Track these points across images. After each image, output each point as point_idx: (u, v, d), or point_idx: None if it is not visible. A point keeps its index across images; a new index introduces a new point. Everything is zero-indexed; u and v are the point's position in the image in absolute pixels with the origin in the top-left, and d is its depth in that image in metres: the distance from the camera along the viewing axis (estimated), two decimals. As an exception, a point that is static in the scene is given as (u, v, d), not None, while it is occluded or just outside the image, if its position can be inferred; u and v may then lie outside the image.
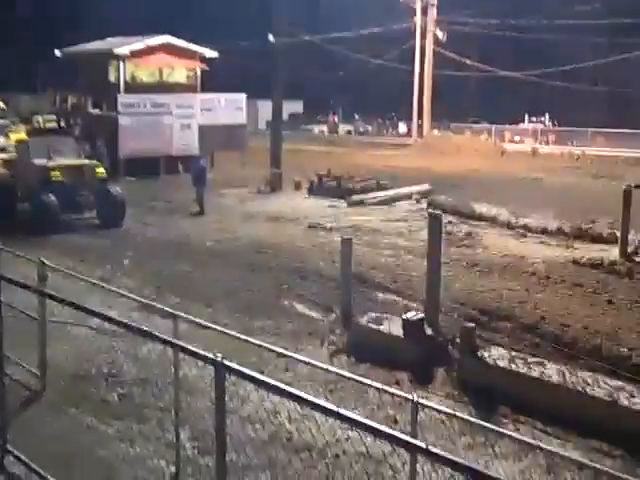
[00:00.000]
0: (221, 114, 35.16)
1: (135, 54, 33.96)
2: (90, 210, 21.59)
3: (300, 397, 4.28)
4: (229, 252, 18.10)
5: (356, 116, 70.17)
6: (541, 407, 9.28)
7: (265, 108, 43.12)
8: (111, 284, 13.81)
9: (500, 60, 53.81)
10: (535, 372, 9.81)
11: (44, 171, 20.94)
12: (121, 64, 33.74)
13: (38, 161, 21.24)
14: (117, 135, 31.35)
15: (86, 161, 22.26)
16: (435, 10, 49.47)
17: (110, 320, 6.60)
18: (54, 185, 20.58)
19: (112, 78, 34.58)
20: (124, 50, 33.63)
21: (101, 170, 21.91)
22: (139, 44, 34.28)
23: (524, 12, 47.50)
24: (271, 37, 31.43)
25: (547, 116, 57.15)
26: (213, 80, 37.95)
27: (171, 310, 8.10)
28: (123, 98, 32.63)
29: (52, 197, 20.20)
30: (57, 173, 20.89)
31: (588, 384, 9.40)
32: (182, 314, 8.04)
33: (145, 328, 5.96)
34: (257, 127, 60.00)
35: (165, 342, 5.35)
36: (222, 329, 8.84)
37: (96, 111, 34.33)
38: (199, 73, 36.84)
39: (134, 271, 16.14)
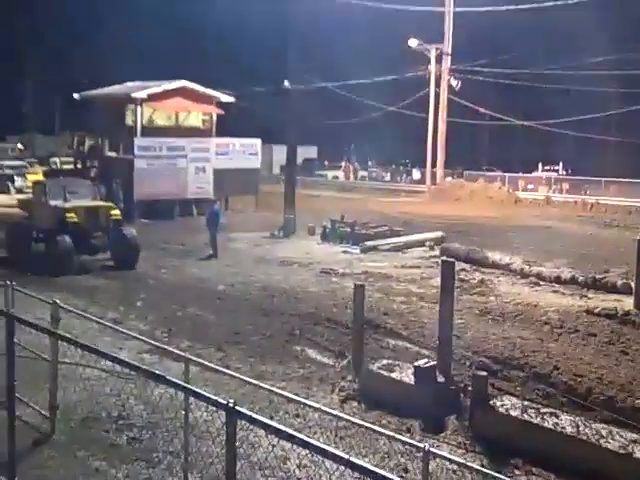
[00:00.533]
0: (236, 158, 35.54)
1: (152, 98, 34.42)
2: (104, 252, 21.64)
3: (309, 443, 4.26)
4: (241, 296, 18.10)
5: (370, 162, 70.57)
6: (554, 459, 9.17)
7: (280, 153, 43.48)
8: (123, 326, 13.87)
9: (514, 109, 54.21)
10: (548, 423, 9.71)
11: (60, 212, 21.08)
12: (138, 108, 34.19)
13: (54, 202, 21.42)
14: (133, 178, 31.64)
15: (101, 203, 22.42)
16: (449, 59, 49.96)
17: (121, 362, 6.59)
18: (69, 226, 20.72)
19: (129, 121, 35.06)
20: (142, 94, 34.09)
21: (116, 212, 22.06)
22: (156, 88, 34.75)
23: (538, 62, 47.90)
24: (287, 83, 31.79)
25: (561, 165, 57.31)
26: (228, 125, 38.38)
27: (182, 353, 8.10)
28: (139, 141, 33.01)
29: (67, 238, 20.29)
30: (73, 214, 21.01)
31: (602, 436, 9.28)
32: (193, 357, 8.04)
33: (156, 371, 5.95)
34: (271, 172, 60.44)
35: (177, 386, 5.34)
36: (233, 373, 8.84)
37: (113, 154, 34.71)
38: (215, 117, 37.26)
39: (146, 313, 16.16)
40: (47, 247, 21.19)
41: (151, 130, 34.49)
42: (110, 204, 22.77)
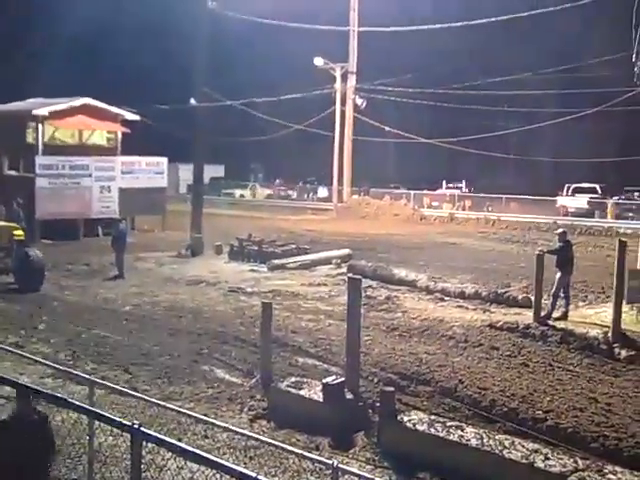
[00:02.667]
0: (142, 177, 35.07)
1: (54, 115, 33.63)
2: (7, 274, 21.01)
3: (217, 463, 4.23)
4: (148, 316, 17.84)
5: (277, 181, 70.71)
6: (460, 470, 9.34)
7: (186, 172, 43.14)
8: (25, 350, 13.47)
9: (418, 127, 55.19)
10: (454, 436, 9.89)
11: None
12: (39, 125, 33.36)
13: None
14: (34, 197, 30.82)
15: (2, 223, 21.84)
16: (354, 78, 50.60)
17: (21, 387, 6.40)
18: None
19: (30, 139, 34.10)
20: (43, 111, 33.26)
21: (19, 232, 21.44)
22: (58, 105, 33.97)
23: (441, 82, 48.95)
24: (193, 101, 31.61)
25: (464, 182, 58.65)
26: (134, 143, 37.85)
27: (86, 376, 7.92)
28: (41, 159, 32.21)
29: None
30: None
31: (505, 447, 9.51)
32: (98, 380, 7.87)
33: (57, 394, 5.80)
34: (178, 191, 59.88)
35: (79, 409, 5.22)
36: (140, 395, 8.69)
37: (12, 172, 33.73)
38: (120, 136, 36.71)
39: (49, 336, 15.73)
40: None
41: (53, 148, 33.67)
42: (12, 224, 22.14)
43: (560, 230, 18.62)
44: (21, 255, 20.84)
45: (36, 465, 6.31)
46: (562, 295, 17.07)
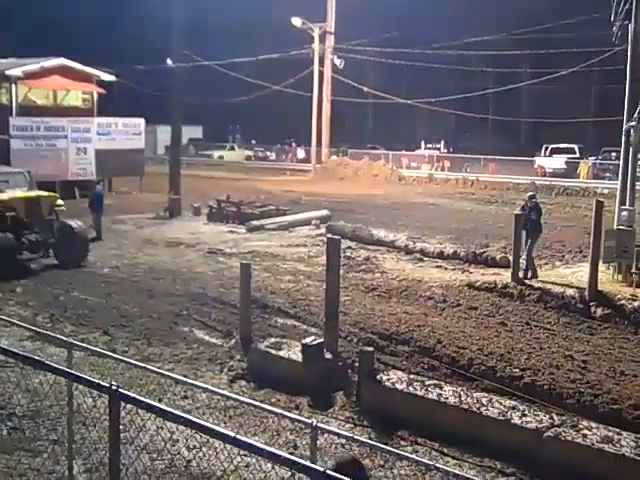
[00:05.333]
0: (119, 139, 34.69)
1: (28, 76, 33.15)
2: (47, 250, 19.12)
3: (195, 423, 4.22)
4: (127, 278, 17.77)
5: (253, 141, 70.29)
6: (439, 428, 9.45)
7: (164, 133, 42.73)
8: (2, 313, 13.39)
9: (397, 88, 55.00)
10: (432, 394, 9.99)
11: None
12: (13, 86, 32.86)
13: None
14: (9, 159, 30.42)
15: (43, 192, 19.78)
16: (332, 38, 50.16)
17: (-1, 350, 6.36)
18: (8, 221, 18.23)
19: (4, 100, 33.62)
20: (16, 72, 32.78)
21: (60, 202, 19.73)
22: (33, 66, 33.49)
23: (418, 42, 48.60)
24: (169, 61, 31.23)
25: (442, 143, 58.59)
26: (111, 104, 37.42)
27: (65, 338, 7.88)
28: (15, 121, 31.79)
29: (9, 235, 17.80)
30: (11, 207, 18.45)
31: (483, 404, 9.62)
32: (77, 342, 7.84)
33: (35, 357, 5.77)
34: (156, 152, 59.40)
35: (56, 371, 5.19)
36: (118, 356, 8.67)
37: (-14, 134, 33.29)
38: (96, 97, 36.26)
39: (27, 299, 15.64)
40: None
41: (28, 109, 33.20)
42: (53, 194, 20.40)
43: (529, 193, 18.69)
44: (63, 227, 19.10)
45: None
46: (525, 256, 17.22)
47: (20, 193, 19.07)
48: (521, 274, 16.83)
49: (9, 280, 16.74)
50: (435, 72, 51.19)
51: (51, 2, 61.85)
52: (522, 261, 17.12)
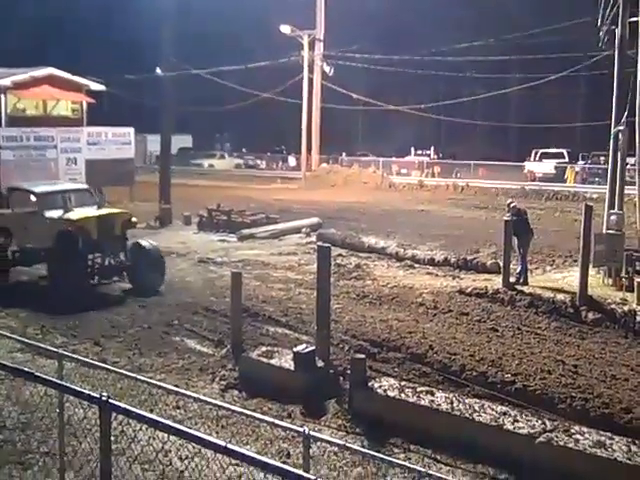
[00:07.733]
0: (108, 148, 34.66)
1: (18, 86, 33.11)
2: (121, 273, 17.67)
3: (186, 433, 4.22)
4: (117, 288, 17.71)
5: (244, 150, 70.24)
6: (431, 435, 9.44)
7: (155, 143, 42.69)
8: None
9: (386, 94, 55.02)
10: (424, 401, 9.98)
11: (62, 225, 16.91)
12: (2, 96, 32.80)
13: (51, 213, 17.15)
14: (-1, 170, 30.37)
15: (115, 210, 18.72)
16: (322, 45, 50.23)
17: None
18: (79, 242, 16.71)
19: (-8, 110, 33.58)
20: (6, 81, 32.72)
21: (134, 219, 18.32)
22: (22, 75, 33.43)
23: (408, 48, 48.70)
24: (159, 70, 31.22)
25: (432, 149, 58.69)
26: (100, 114, 37.38)
27: (55, 349, 7.86)
28: (4, 131, 31.70)
29: (81, 260, 16.84)
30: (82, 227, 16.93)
31: (475, 410, 9.63)
32: (67, 353, 7.82)
33: (25, 369, 5.76)
34: (146, 162, 59.35)
35: (47, 382, 5.18)
36: (109, 367, 8.65)
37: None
38: (85, 106, 36.22)
39: (18, 310, 15.56)
40: (50, 272, 17.05)
41: (17, 120, 33.16)
42: (125, 210, 19.25)
43: (508, 201, 18.73)
44: (134, 248, 17.80)
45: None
46: (520, 262, 17.28)
47: (91, 211, 17.59)
48: (513, 279, 16.87)
49: (80, 310, 15.32)
50: (424, 78, 51.27)
51: (37, 10, 61.85)
52: (513, 267, 17.17)
